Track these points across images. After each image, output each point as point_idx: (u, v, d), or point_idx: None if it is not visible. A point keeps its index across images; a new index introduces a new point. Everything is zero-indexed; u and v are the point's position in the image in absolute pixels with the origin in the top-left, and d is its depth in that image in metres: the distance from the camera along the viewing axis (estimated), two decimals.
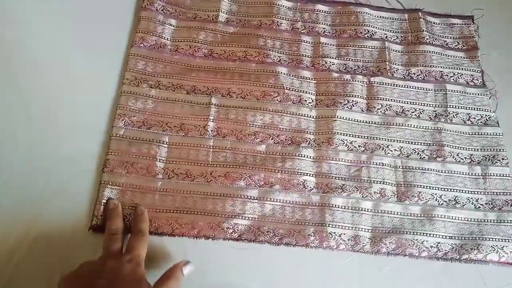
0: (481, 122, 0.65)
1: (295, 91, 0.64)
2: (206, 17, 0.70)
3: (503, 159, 0.62)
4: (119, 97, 0.61)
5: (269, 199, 0.57)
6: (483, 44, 0.73)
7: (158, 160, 0.57)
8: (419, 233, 0.56)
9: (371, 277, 0.54)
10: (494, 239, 0.57)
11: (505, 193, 0.60)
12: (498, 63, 0.71)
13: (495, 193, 0.60)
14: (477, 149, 0.63)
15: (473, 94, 0.67)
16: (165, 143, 0.58)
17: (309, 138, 0.61)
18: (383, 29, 0.72)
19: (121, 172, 0.56)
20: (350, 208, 0.57)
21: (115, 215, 0.52)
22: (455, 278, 0.55)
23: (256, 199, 0.56)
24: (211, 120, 0.61)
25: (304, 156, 0.60)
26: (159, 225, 0.54)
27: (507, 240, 0.57)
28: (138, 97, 0.61)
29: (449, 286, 0.55)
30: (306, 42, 0.69)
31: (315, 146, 0.61)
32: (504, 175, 0.61)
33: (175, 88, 0.63)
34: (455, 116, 0.65)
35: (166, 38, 0.67)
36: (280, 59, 0.67)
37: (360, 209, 0.57)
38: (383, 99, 0.65)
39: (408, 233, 0.56)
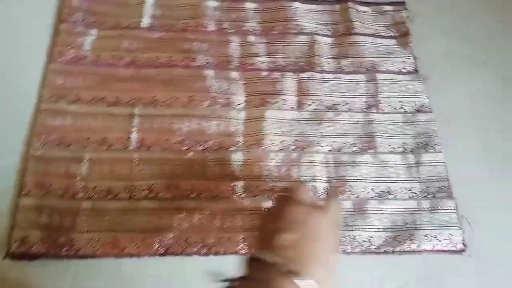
0: (414, 109, 0.64)
1: (223, 94, 0.63)
2: (129, 24, 0.67)
3: (436, 145, 0.61)
4: (37, 116, 0.58)
5: (197, 209, 0.55)
6: (417, 29, 0.71)
7: (78, 178, 0.55)
8: (351, 229, 0.55)
9: None
10: (427, 228, 0.56)
11: (439, 179, 0.59)
12: (432, 47, 0.70)
13: (428, 180, 0.59)
14: (410, 137, 0.62)
15: (405, 81, 0.66)
16: (85, 160, 0.56)
17: (239, 141, 0.60)
18: (313, 22, 0.70)
19: (39, 193, 0.54)
20: None
21: None
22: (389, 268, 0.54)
23: (184, 210, 0.55)
24: (135, 131, 0.59)
25: (233, 160, 0.58)
26: (80, 247, 0.52)
27: (441, 227, 0.56)
28: (57, 114, 0.59)
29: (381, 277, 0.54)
30: (234, 42, 0.67)
31: (244, 149, 0.59)
32: (437, 161, 0.60)
33: (96, 101, 0.60)
34: (387, 106, 0.64)
35: (86, 50, 0.64)
36: (207, 62, 0.65)
37: None
38: (314, 95, 0.64)
39: (340, 230, 0.55)
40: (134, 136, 0.58)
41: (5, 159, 0.55)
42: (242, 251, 0.53)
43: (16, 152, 0.56)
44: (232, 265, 0.33)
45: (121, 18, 0.68)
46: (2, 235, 0.51)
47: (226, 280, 0.34)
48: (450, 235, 0.55)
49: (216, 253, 0.53)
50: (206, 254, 0.53)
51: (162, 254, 0.52)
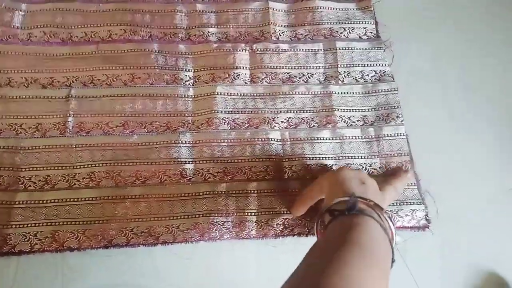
0: (375, 78, 0.60)
1: (169, 69, 0.58)
2: None
3: (397, 117, 0.58)
4: None
5: (142, 196, 0.51)
6: None
7: (12, 169, 0.50)
8: None
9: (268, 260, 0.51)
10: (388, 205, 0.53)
11: (400, 154, 0.56)
12: (394, 10, 0.66)
13: (389, 155, 0.56)
14: (371, 109, 0.58)
15: (366, 49, 0.62)
16: (19, 148, 0.52)
17: (187, 121, 0.56)
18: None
19: None
20: (234, 192, 0.52)
21: None
22: None
23: (128, 198, 0.51)
24: (72, 115, 0.54)
25: (182, 142, 0.54)
26: (16, 242, 0.48)
27: (403, 204, 0.53)
28: None
29: None
30: (181, 12, 0.62)
31: (194, 129, 0.55)
32: (398, 134, 0.57)
33: (28, 83, 0.55)
34: (347, 76, 0.60)
35: (16, 27, 0.58)
36: (151, 35, 0.60)
37: (245, 191, 0.52)
38: (268, 67, 0.59)
39: None
40: (71, 120, 0.53)
41: None
42: (192, 239, 0.50)
43: None
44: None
45: None
46: None
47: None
48: (413, 211, 0.53)
49: (164, 243, 0.50)
50: (154, 244, 0.50)
51: (106, 247, 0.49)
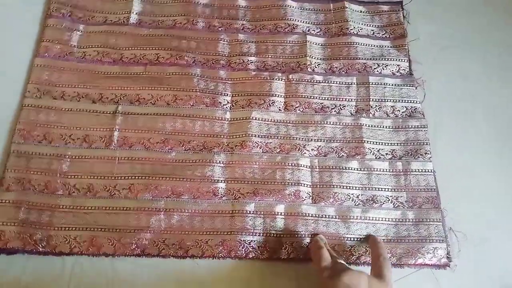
0: (405, 114, 0.62)
1: (209, 93, 0.62)
2: (117, 19, 0.66)
3: (426, 153, 0.59)
4: (20, 111, 0.58)
5: (176, 210, 0.54)
6: (413, 30, 0.69)
7: (59, 175, 0.55)
8: (332, 238, 0.54)
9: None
10: (410, 241, 0.54)
11: (427, 190, 0.57)
12: (428, 50, 0.68)
13: (416, 190, 0.57)
14: (400, 144, 0.60)
15: (398, 85, 0.64)
16: (67, 157, 0.56)
17: (223, 143, 0.59)
18: (306, 21, 0.69)
19: (18, 189, 0.53)
20: (262, 213, 0.55)
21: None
22: None
23: (162, 211, 0.54)
24: (117, 129, 0.58)
25: (216, 162, 0.57)
26: (57, 244, 0.51)
27: (425, 241, 0.54)
28: (41, 109, 0.58)
29: None
30: (223, 40, 0.66)
31: (228, 151, 0.58)
32: (426, 170, 0.58)
33: (80, 98, 0.60)
34: (378, 110, 0.62)
35: (73, 45, 0.64)
36: (194, 60, 0.64)
37: (273, 213, 0.55)
38: (302, 97, 0.62)
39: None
40: (116, 134, 0.57)
41: None
42: (220, 255, 0.52)
43: None
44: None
45: (108, 14, 0.67)
46: None
47: None
48: (434, 249, 0.53)
49: (192, 256, 0.52)
50: (183, 257, 0.52)
51: (138, 255, 0.52)
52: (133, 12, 0.67)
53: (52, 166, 0.55)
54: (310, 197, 0.56)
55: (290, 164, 0.58)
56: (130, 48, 0.64)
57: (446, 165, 0.59)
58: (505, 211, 0.57)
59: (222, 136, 0.59)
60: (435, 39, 0.69)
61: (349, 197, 0.56)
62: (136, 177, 0.55)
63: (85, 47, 0.64)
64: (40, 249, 0.51)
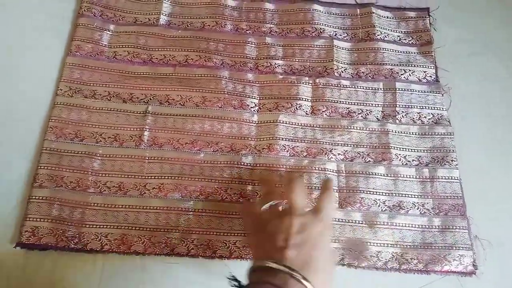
0: (432, 121, 0.63)
1: (236, 95, 0.62)
2: (147, 20, 0.67)
3: (452, 160, 0.60)
4: (53, 109, 0.59)
5: (205, 211, 0.55)
6: (440, 36, 0.69)
7: (90, 173, 0.56)
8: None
9: None
10: (437, 247, 0.55)
11: (453, 197, 0.57)
12: (454, 57, 0.68)
13: (442, 197, 0.58)
14: (426, 150, 0.60)
15: (425, 92, 0.64)
16: (98, 155, 0.57)
17: (250, 145, 0.59)
18: (333, 26, 0.69)
19: (50, 186, 0.54)
20: None
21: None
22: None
23: (191, 211, 0.55)
24: (147, 129, 0.59)
25: (243, 164, 0.58)
26: (88, 241, 0.52)
27: (451, 248, 0.54)
28: (72, 108, 0.59)
29: None
30: (251, 43, 0.67)
31: (255, 153, 0.59)
32: (453, 177, 0.59)
33: (111, 97, 0.61)
34: (405, 116, 0.63)
35: (104, 45, 0.65)
36: (223, 62, 0.65)
37: None
38: (329, 101, 0.63)
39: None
40: (146, 134, 0.58)
41: (20, 151, 0.56)
42: (248, 256, 0.53)
43: (31, 144, 0.57)
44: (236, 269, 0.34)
45: (138, 15, 0.68)
46: (15, 225, 0.52)
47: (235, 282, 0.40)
48: (461, 256, 0.54)
49: (221, 257, 0.53)
50: (211, 257, 0.53)
51: (168, 254, 0.53)
52: (162, 13, 0.67)
53: (83, 164, 0.56)
54: (337, 202, 0.57)
55: (316, 168, 0.58)
56: (159, 49, 0.65)
57: (473, 172, 0.59)
58: None
59: (250, 139, 0.60)
60: (462, 45, 0.69)
61: (375, 202, 0.57)
62: (166, 177, 0.56)
63: (115, 46, 0.65)
64: (72, 245, 0.52)
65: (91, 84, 0.61)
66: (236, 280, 0.41)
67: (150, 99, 0.61)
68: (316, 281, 0.36)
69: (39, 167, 0.55)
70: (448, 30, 0.70)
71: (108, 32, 0.65)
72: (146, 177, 0.56)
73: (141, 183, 0.56)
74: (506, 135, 0.63)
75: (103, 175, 0.56)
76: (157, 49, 0.65)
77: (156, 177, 0.56)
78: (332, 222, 0.47)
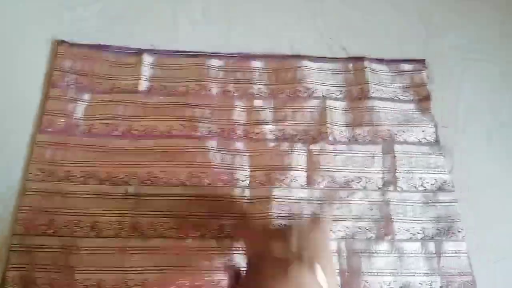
0: (435, 187, 0.59)
1: (226, 168, 0.57)
2: (126, 86, 0.62)
3: (459, 231, 0.56)
4: (22, 197, 0.53)
5: None
6: (438, 90, 0.65)
7: (67, 271, 0.50)
8: None
9: None
10: None
11: (462, 273, 0.53)
12: (454, 110, 0.64)
13: (450, 274, 0.54)
14: (431, 221, 0.56)
15: (426, 153, 0.61)
16: (74, 248, 0.51)
17: (242, 225, 0.54)
18: (325, 84, 0.65)
19: None
20: None
21: None
22: None
23: None
24: (128, 215, 0.53)
25: (235, 249, 0.53)
26: None
27: None
28: (44, 194, 0.54)
29: None
30: (239, 107, 0.62)
31: None
32: (460, 251, 0.55)
33: (87, 178, 0.55)
34: (406, 182, 0.58)
35: (78, 118, 0.59)
36: (210, 131, 0.60)
37: None
38: (325, 170, 0.58)
39: None
40: (127, 220, 0.53)
41: None
42: None
43: None
44: None
45: (116, 80, 0.62)
46: None
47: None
48: None
49: None
50: None
51: None
52: (142, 78, 0.63)
53: (58, 260, 0.51)
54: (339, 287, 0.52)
55: None
56: (140, 119, 0.60)
57: (479, 242, 0.55)
58: None
59: (241, 219, 0.55)
60: (461, 99, 0.65)
61: (380, 286, 0.52)
62: (150, 271, 0.51)
63: (91, 118, 0.59)
64: None
65: (65, 164, 0.56)
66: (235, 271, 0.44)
67: (131, 178, 0.56)
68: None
69: (8, 269, 0.49)
70: (445, 84, 0.66)
71: (82, 103, 0.60)
72: (128, 272, 0.51)
73: (122, 279, 0.50)
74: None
75: (81, 272, 0.50)
76: (137, 119, 0.60)
77: (139, 272, 0.51)
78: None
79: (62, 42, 0.64)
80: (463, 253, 0.55)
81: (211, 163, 0.57)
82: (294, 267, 0.37)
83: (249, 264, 0.42)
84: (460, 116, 0.64)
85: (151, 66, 0.64)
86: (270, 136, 0.61)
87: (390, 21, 0.70)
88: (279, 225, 0.51)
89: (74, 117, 0.59)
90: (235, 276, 0.40)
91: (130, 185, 0.55)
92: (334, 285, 0.41)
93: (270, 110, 0.63)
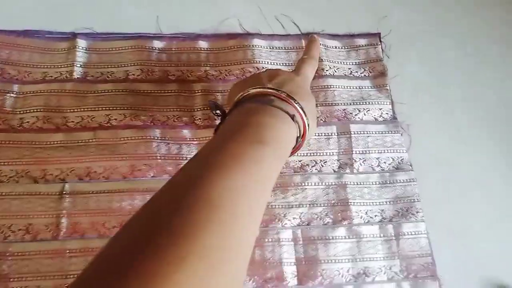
0: (392, 166, 0.56)
1: (172, 159, 0.53)
2: (58, 75, 0.57)
3: (417, 212, 0.54)
4: None
5: None
6: (394, 65, 0.63)
7: (0, 280, 0.46)
8: None
9: None
10: None
11: (421, 255, 0.52)
12: (411, 86, 0.62)
13: (410, 256, 0.52)
14: (388, 202, 0.54)
15: (382, 132, 0.58)
16: (7, 254, 0.47)
17: None
18: (277, 63, 0.61)
19: None
20: None
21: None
22: None
23: None
24: (65, 215, 0.49)
25: None
26: None
27: None
28: None
29: None
30: (185, 92, 0.58)
31: None
32: (419, 232, 0.53)
33: (19, 177, 0.51)
34: (362, 164, 0.56)
35: (7, 112, 0.54)
36: (152, 119, 0.56)
37: None
38: None
39: None
40: (64, 221, 0.49)
41: None
42: None
43: None
44: None
45: (48, 68, 0.57)
46: None
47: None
48: None
49: None
50: None
51: None
52: (76, 65, 0.57)
53: None
54: (295, 277, 0.50)
55: (270, 240, 0.51)
56: (75, 110, 0.55)
57: (437, 222, 0.54)
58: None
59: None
60: (419, 75, 0.63)
61: (338, 272, 0.50)
62: None
63: (21, 112, 0.54)
64: None
65: None
66: (217, 106, 0.42)
67: (68, 174, 0.51)
68: (303, 104, 0.38)
69: None
70: (402, 57, 0.63)
71: (11, 95, 0.55)
72: (68, 276, 0.47)
73: (62, 285, 0.47)
74: (475, 170, 0.58)
75: (16, 279, 0.46)
76: (72, 110, 0.55)
77: None
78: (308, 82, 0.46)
79: None
80: (422, 234, 0.53)
81: (155, 155, 0.53)
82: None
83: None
84: (417, 92, 0.62)
85: (86, 51, 0.58)
86: (219, 122, 0.57)
87: None
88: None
89: (2, 112, 0.54)
90: (222, 113, 0.42)
91: (67, 182, 0.51)
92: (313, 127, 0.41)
93: (218, 93, 0.59)
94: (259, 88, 0.39)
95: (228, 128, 0.35)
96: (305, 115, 0.38)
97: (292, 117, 0.36)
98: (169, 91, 0.58)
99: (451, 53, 0.65)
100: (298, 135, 0.39)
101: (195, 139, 0.55)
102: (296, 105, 0.37)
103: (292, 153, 0.40)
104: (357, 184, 0.55)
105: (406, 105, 0.60)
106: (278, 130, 0.34)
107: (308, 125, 0.39)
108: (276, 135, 0.33)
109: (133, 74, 0.58)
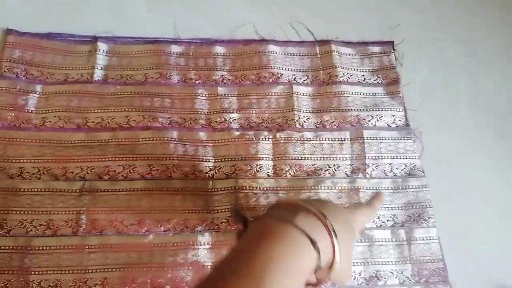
0: (405, 172, 0.57)
1: (188, 160, 0.55)
2: (80, 76, 0.59)
3: (429, 217, 0.54)
4: None
5: None
6: (407, 73, 0.64)
7: (21, 272, 0.47)
8: None
9: None
10: None
11: (433, 260, 0.52)
12: (423, 93, 0.63)
13: (421, 261, 0.52)
14: (401, 207, 0.55)
15: (395, 138, 0.59)
16: (29, 248, 0.48)
17: (206, 219, 0.52)
18: (291, 69, 0.62)
19: None
20: None
21: None
22: None
23: None
24: (84, 211, 0.51)
25: (200, 244, 0.51)
26: None
27: None
28: None
29: None
30: (202, 96, 0.59)
31: (213, 228, 0.52)
32: (431, 238, 0.54)
33: (41, 174, 0.52)
34: (375, 169, 0.57)
35: (30, 111, 0.56)
36: (170, 121, 0.57)
37: None
38: (292, 158, 0.56)
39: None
40: (84, 217, 0.50)
41: None
42: None
43: None
44: None
45: (70, 70, 0.59)
46: None
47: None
48: None
49: None
50: None
51: None
52: (97, 67, 0.59)
53: (12, 261, 0.48)
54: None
55: None
56: (96, 111, 0.57)
57: (449, 227, 0.54)
58: None
59: (206, 211, 0.53)
60: (431, 82, 0.64)
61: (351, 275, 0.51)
62: (110, 269, 0.48)
63: (44, 112, 0.56)
64: None
65: (17, 161, 0.52)
66: (239, 214, 0.36)
67: (87, 172, 0.53)
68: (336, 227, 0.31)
69: None
70: (415, 65, 0.64)
71: (34, 95, 0.57)
72: (87, 271, 0.48)
73: (81, 279, 0.48)
74: (486, 180, 0.58)
75: (37, 272, 0.48)
76: (92, 111, 0.57)
77: (99, 270, 0.48)
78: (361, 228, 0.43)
79: (11, 31, 0.59)
80: (434, 239, 0.54)
81: (173, 155, 0.55)
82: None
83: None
84: (430, 99, 0.63)
85: (106, 54, 0.60)
86: (234, 125, 0.58)
87: (356, 2, 0.68)
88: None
89: (25, 110, 0.56)
90: (242, 221, 0.35)
91: (86, 180, 0.52)
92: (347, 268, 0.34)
93: (234, 97, 0.60)
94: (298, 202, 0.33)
95: (240, 250, 0.30)
96: (336, 237, 0.30)
97: (313, 242, 0.29)
98: (187, 95, 0.59)
99: (462, 60, 0.66)
100: (318, 262, 0.30)
101: (211, 141, 0.57)
102: (326, 221, 0.30)
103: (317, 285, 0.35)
104: (370, 188, 0.56)
105: (418, 112, 0.61)
106: (287, 262, 0.28)
107: (337, 251, 0.30)
108: (285, 269, 0.28)
109: (152, 77, 0.60)
